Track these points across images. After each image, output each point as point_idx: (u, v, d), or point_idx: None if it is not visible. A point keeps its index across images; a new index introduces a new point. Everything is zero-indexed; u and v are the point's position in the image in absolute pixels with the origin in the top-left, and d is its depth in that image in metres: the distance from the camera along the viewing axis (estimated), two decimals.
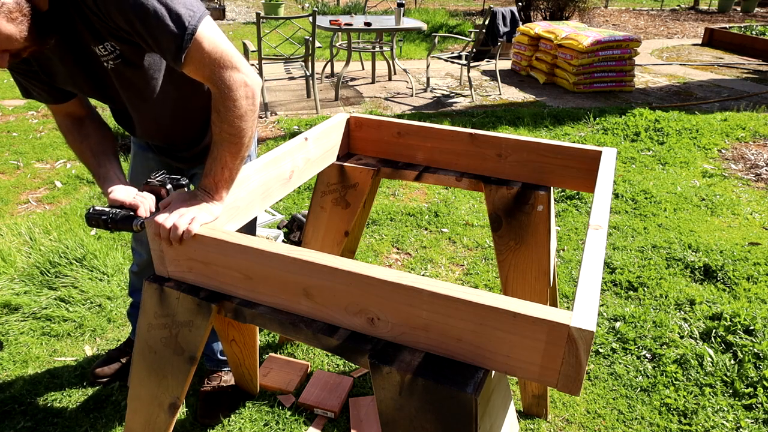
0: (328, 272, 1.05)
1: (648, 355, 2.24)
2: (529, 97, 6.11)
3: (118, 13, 1.10)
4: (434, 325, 0.99)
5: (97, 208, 1.23)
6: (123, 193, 1.28)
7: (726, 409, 2.00)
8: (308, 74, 5.20)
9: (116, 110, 1.49)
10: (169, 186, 1.30)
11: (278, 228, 3.16)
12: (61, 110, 1.42)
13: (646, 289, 2.66)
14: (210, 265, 1.17)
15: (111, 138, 1.46)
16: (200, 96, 1.45)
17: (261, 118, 5.14)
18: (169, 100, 1.41)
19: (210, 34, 1.14)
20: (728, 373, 2.13)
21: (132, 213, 1.23)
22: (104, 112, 4.43)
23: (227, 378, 2.00)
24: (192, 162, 1.64)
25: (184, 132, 1.53)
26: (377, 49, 6.35)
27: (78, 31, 1.19)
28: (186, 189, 1.32)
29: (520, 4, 9.82)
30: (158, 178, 1.30)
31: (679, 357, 2.21)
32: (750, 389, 2.07)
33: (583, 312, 0.90)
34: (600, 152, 1.52)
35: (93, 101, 1.46)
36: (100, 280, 2.57)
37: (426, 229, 3.23)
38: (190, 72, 1.18)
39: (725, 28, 9.98)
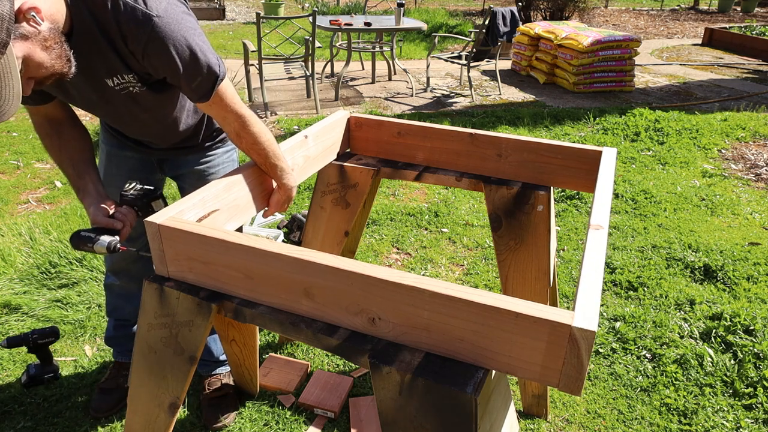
0: (328, 272, 1.04)
1: (648, 355, 2.24)
2: (529, 97, 6.11)
3: (157, 54, 1.17)
4: (436, 325, 0.99)
5: (82, 234, 1.27)
6: (103, 214, 1.32)
7: (726, 409, 2.00)
8: (308, 74, 5.20)
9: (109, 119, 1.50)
10: (144, 199, 1.36)
11: (278, 228, 3.16)
12: (40, 111, 1.41)
13: (646, 289, 2.66)
14: (210, 264, 1.17)
15: (89, 144, 1.47)
16: (197, 113, 1.57)
17: (260, 118, 5.14)
18: (174, 118, 1.50)
19: (228, 83, 1.32)
20: (728, 373, 2.13)
21: (116, 236, 1.29)
22: None
23: (227, 380, 1.99)
24: (175, 151, 1.67)
25: (182, 137, 1.60)
26: (377, 49, 6.34)
27: (94, 60, 1.21)
28: (161, 200, 1.38)
29: (520, 4, 9.82)
30: (132, 192, 1.36)
31: (679, 357, 2.21)
32: (750, 389, 2.07)
33: (585, 312, 0.90)
34: (600, 152, 1.52)
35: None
36: (100, 280, 2.57)
37: (426, 229, 3.23)
38: (204, 108, 1.33)
39: (725, 28, 9.98)
